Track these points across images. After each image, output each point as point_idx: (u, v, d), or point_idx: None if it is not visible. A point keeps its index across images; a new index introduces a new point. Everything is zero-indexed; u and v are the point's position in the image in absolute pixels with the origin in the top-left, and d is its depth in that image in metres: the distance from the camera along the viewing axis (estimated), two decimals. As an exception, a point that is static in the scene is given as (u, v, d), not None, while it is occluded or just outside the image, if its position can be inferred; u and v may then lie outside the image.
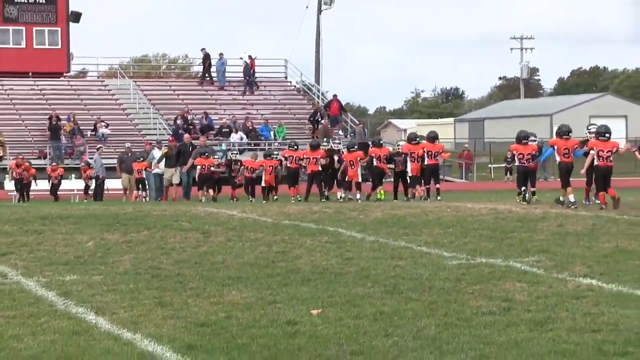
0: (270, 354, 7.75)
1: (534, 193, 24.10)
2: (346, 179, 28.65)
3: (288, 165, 30.73)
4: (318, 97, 58.52)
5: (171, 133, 47.84)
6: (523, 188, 23.59)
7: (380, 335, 8.43)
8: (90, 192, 38.00)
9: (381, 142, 31.76)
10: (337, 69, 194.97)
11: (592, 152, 22.64)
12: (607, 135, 22.97)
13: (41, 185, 38.87)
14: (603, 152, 22.33)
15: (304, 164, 30.56)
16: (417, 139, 28.71)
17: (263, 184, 30.97)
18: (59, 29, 59.09)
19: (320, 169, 29.10)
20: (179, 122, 51.33)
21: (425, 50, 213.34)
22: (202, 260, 13.33)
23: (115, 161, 40.21)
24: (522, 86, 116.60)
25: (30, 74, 57.65)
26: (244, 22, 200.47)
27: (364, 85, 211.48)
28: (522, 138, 24.47)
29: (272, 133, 51.14)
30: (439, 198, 26.66)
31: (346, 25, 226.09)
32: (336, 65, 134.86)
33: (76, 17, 59.87)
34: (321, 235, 15.82)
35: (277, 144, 48.17)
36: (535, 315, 9.29)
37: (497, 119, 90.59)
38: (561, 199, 22.16)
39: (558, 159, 23.15)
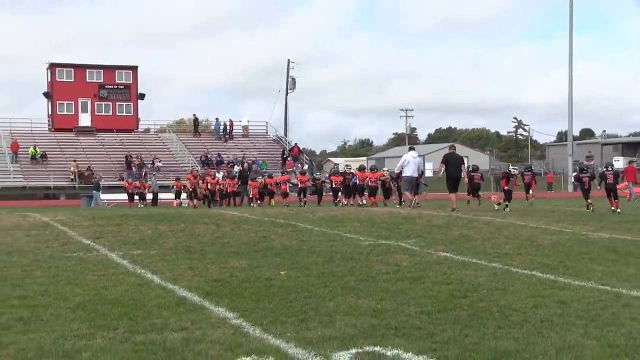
0: (256, 298, 7.73)
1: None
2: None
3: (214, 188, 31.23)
4: (286, 144, 58.99)
5: (199, 166, 47.87)
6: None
7: (322, 286, 8.43)
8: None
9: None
10: (297, 126, 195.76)
11: (367, 180, 26.41)
12: (375, 169, 27.74)
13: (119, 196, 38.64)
14: (372, 179, 26.29)
15: (223, 188, 31.08)
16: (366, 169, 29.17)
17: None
18: (131, 103, 59.55)
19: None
20: (202, 159, 51.65)
21: (350, 116, 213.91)
22: (215, 241, 13.26)
23: (164, 182, 40.21)
24: (407, 138, 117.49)
25: (115, 130, 57.57)
26: (243, 98, 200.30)
27: (314, 136, 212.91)
28: (372, 168, 28.05)
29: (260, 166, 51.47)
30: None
31: (303, 100, 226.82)
32: (297, 124, 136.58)
33: (142, 96, 60.21)
34: (287, 227, 15.79)
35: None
36: (413, 274, 9.33)
37: (392, 158, 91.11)
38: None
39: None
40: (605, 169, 23.13)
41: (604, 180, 22.03)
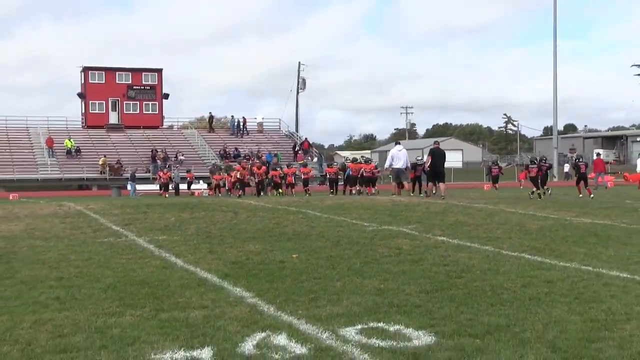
0: (270, 279, 7.71)
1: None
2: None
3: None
4: (297, 139, 58.95)
5: (218, 159, 47.92)
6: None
7: (330, 268, 8.41)
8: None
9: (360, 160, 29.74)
10: (307, 123, 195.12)
11: (362, 170, 26.18)
12: (370, 161, 27.88)
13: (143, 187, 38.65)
14: (366, 170, 26.11)
15: (238, 176, 29.84)
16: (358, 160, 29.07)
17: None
18: (157, 102, 59.62)
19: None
20: (222, 153, 51.63)
21: (356, 114, 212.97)
22: (233, 227, 13.24)
23: (182, 174, 40.16)
24: (407, 133, 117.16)
25: (142, 127, 57.63)
26: (259, 97, 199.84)
27: (322, 132, 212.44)
28: (367, 160, 28.41)
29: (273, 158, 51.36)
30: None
31: (313, 99, 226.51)
32: (307, 121, 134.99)
33: (166, 96, 60.23)
34: (298, 214, 15.75)
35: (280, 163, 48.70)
36: (413, 256, 9.30)
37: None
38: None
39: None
40: (577, 160, 24.14)
41: (578, 169, 22.78)
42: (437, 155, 22.04)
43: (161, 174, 36.43)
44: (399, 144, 25.32)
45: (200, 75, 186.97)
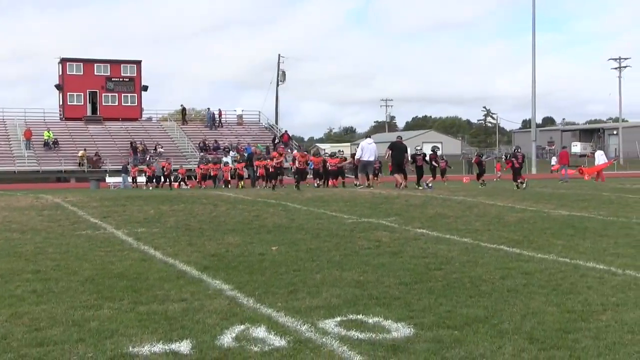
0: (249, 271, 7.69)
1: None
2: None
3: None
4: (277, 131, 58.85)
5: (199, 151, 47.71)
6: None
7: (310, 260, 8.39)
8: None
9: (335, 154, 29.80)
10: (287, 115, 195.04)
11: (327, 164, 27.59)
12: (334, 155, 28.21)
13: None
14: (331, 164, 27.41)
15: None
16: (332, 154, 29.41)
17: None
18: (135, 94, 59.14)
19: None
20: (201, 145, 51.38)
21: (337, 106, 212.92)
22: (213, 220, 13.18)
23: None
24: (387, 126, 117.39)
25: (120, 119, 57.20)
26: (239, 89, 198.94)
27: (302, 124, 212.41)
28: (332, 155, 29.35)
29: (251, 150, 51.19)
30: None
31: (292, 91, 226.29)
32: (287, 113, 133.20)
33: (145, 88, 59.74)
34: (278, 206, 15.72)
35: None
36: (393, 249, 9.31)
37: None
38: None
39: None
40: (516, 151, 25.98)
41: (515, 159, 24.60)
42: (397, 149, 22.97)
43: (164, 163, 36.69)
44: (370, 137, 26.34)
45: (184, 68, 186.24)
